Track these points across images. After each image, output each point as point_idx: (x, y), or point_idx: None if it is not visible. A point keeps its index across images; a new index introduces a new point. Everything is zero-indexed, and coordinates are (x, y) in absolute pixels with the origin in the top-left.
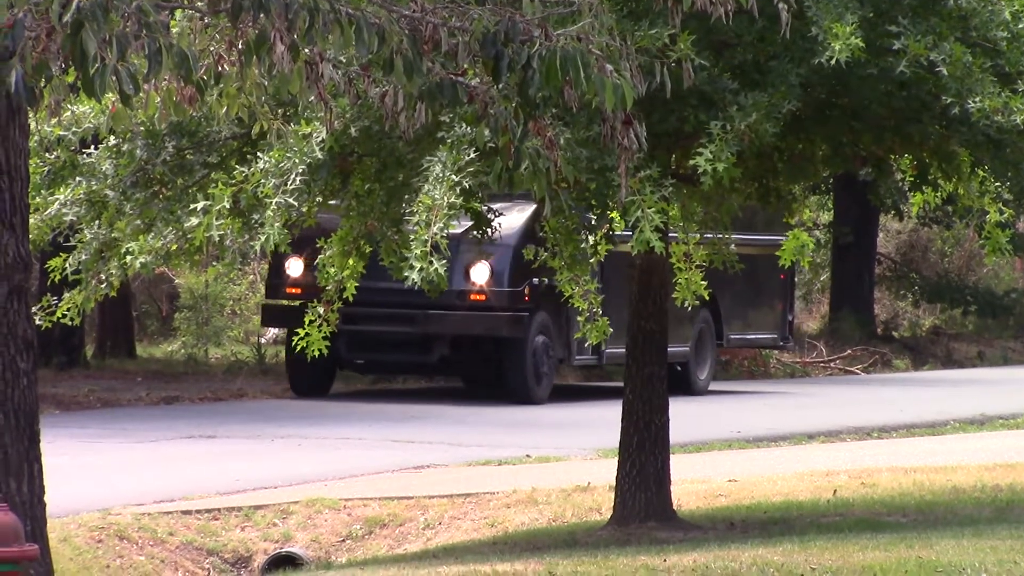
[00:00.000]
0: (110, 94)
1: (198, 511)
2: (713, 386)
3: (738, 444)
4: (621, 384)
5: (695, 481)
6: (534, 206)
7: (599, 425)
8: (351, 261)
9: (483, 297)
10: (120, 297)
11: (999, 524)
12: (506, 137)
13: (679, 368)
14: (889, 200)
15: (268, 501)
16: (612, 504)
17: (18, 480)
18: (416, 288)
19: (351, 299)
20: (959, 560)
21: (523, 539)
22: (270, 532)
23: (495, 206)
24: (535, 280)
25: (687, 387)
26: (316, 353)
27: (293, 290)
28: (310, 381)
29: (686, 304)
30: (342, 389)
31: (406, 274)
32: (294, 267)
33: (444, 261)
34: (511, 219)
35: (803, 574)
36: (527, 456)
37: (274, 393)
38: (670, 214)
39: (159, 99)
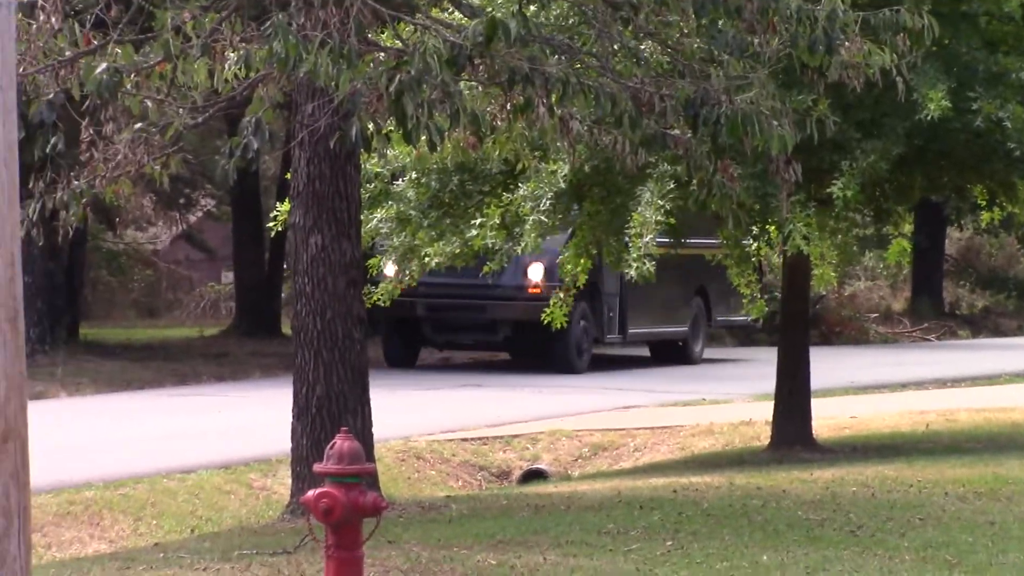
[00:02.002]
0: (425, 140)
1: (472, 439)
2: (709, 354)
3: (852, 391)
4: (641, 353)
5: (826, 418)
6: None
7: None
8: (582, 261)
9: (538, 290)
10: None
11: None
12: (701, 173)
13: (680, 344)
14: (954, 215)
15: (521, 432)
16: (769, 434)
17: (354, 416)
18: (487, 283)
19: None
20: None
21: (705, 459)
22: (523, 454)
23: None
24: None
25: (686, 358)
26: (559, 325)
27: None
28: (401, 354)
29: (685, 294)
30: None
31: (625, 270)
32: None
33: (653, 262)
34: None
35: (911, 485)
36: (703, 399)
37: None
38: (812, 226)
39: (451, 145)
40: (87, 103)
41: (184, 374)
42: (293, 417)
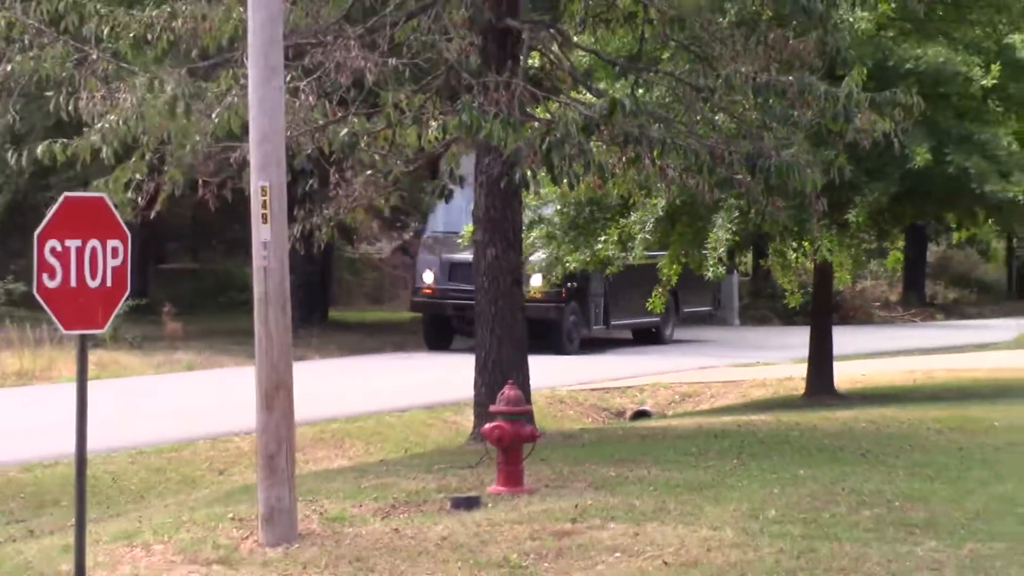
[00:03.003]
0: (566, 183)
1: (596, 389)
2: (679, 336)
3: (862, 356)
4: (623, 337)
5: (844, 375)
6: None
7: (773, 348)
8: (675, 267)
9: (539, 295)
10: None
11: (1000, 398)
12: (757, 205)
13: (654, 330)
14: (933, 235)
15: (631, 384)
16: (804, 386)
17: (517, 373)
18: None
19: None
20: (983, 416)
21: (760, 403)
22: (633, 399)
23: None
24: (569, 284)
25: (659, 339)
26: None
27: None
28: (437, 340)
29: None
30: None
31: (704, 272)
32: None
33: (724, 267)
34: None
35: (903, 422)
36: (758, 362)
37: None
38: (834, 242)
39: (583, 186)
40: (333, 156)
41: (400, 344)
42: (475, 373)
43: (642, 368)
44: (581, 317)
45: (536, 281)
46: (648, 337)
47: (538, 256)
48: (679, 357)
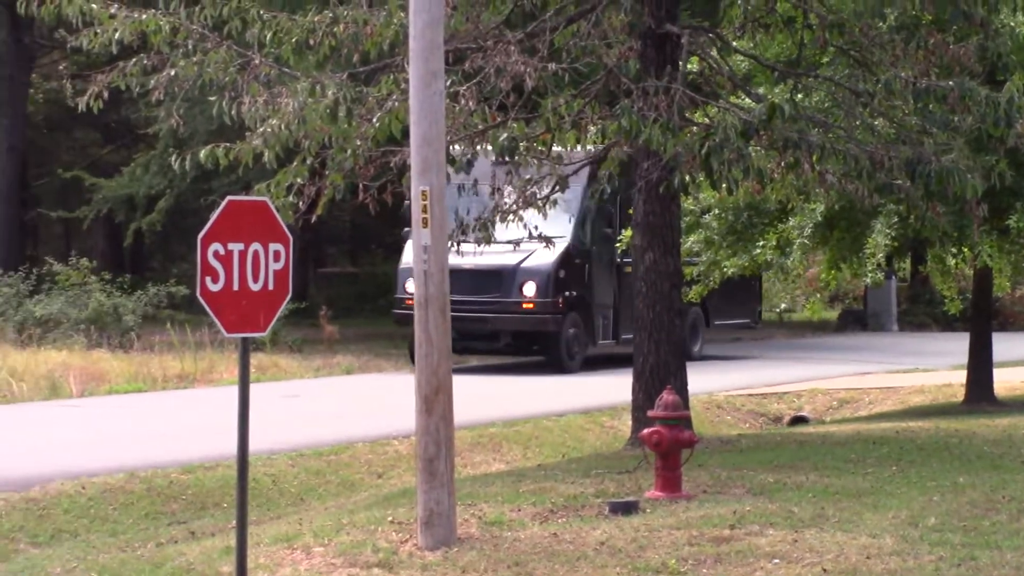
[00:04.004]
0: (725, 188)
1: (754, 394)
2: (711, 351)
3: (1018, 363)
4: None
5: (1003, 382)
6: (564, 248)
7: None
8: (833, 272)
9: (532, 305)
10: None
11: None
12: (916, 211)
13: None
14: None
15: (788, 390)
16: (963, 392)
17: (675, 378)
18: (490, 299)
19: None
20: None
21: (918, 410)
22: (791, 405)
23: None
24: (567, 293)
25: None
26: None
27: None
28: None
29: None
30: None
31: (863, 278)
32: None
33: (882, 274)
34: (550, 254)
35: None
36: (916, 368)
37: (784, 336)
38: (995, 248)
39: (742, 191)
40: (492, 161)
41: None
42: (633, 378)
43: (797, 373)
44: (584, 330)
45: (529, 290)
46: None
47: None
48: (832, 364)
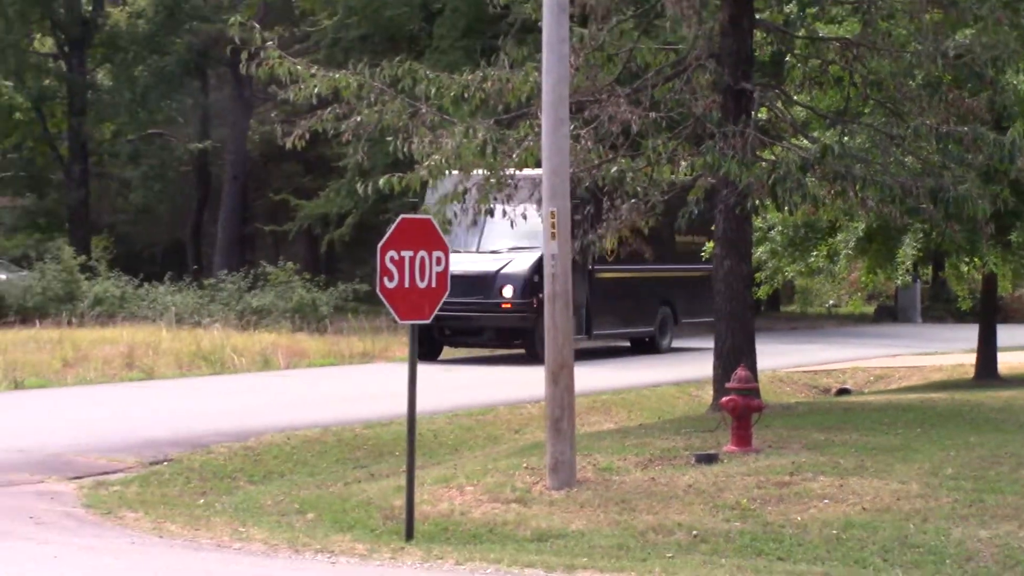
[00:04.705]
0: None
1: (808, 371)
2: (679, 344)
3: (1017, 348)
4: (605, 345)
5: (1005, 362)
6: (539, 253)
7: (948, 341)
8: (870, 276)
9: (509, 305)
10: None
11: None
12: (938, 228)
13: (647, 339)
14: None
15: (834, 367)
16: (973, 371)
17: (747, 358)
18: (474, 300)
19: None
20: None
21: (938, 384)
22: (837, 379)
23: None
24: (540, 295)
25: (655, 348)
26: (857, 310)
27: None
28: (426, 349)
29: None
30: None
31: (896, 281)
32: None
33: (910, 278)
34: (526, 258)
35: None
36: (936, 352)
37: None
38: (999, 258)
39: (800, 212)
40: (605, 188)
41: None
42: (715, 358)
43: (841, 354)
44: None
45: (507, 292)
46: (644, 347)
47: (768, 267)
48: (869, 347)
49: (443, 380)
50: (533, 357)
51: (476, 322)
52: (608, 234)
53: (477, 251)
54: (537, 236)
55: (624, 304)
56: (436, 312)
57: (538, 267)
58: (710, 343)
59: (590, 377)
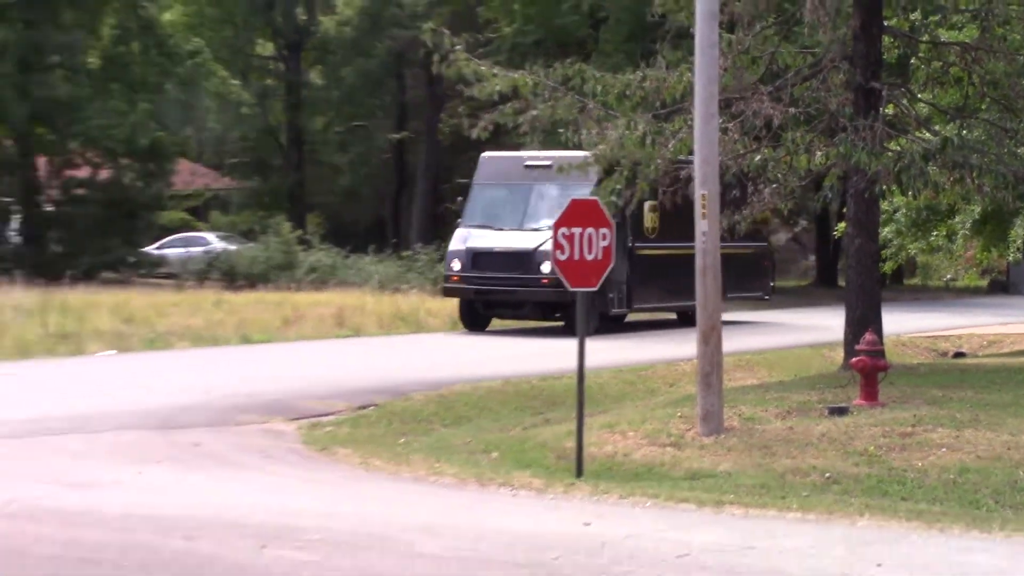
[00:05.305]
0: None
1: (928, 336)
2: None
3: None
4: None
5: None
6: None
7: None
8: (984, 253)
9: (547, 281)
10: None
11: None
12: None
13: (690, 313)
14: None
15: (952, 333)
16: None
17: (873, 324)
18: (515, 275)
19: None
20: None
21: (1009, 354)
22: (954, 343)
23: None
24: None
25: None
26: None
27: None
28: (473, 322)
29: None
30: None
31: (1008, 257)
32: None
33: (1020, 255)
34: None
35: None
36: (1006, 323)
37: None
38: None
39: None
40: (750, 175)
41: (793, 303)
42: (846, 324)
43: (954, 322)
44: (597, 300)
45: (546, 268)
46: (688, 320)
47: (893, 244)
48: (980, 316)
49: (611, 338)
50: (572, 330)
51: (517, 296)
52: (752, 215)
53: (520, 229)
54: None
55: (669, 279)
56: (480, 286)
57: None
58: (760, 316)
59: (735, 337)
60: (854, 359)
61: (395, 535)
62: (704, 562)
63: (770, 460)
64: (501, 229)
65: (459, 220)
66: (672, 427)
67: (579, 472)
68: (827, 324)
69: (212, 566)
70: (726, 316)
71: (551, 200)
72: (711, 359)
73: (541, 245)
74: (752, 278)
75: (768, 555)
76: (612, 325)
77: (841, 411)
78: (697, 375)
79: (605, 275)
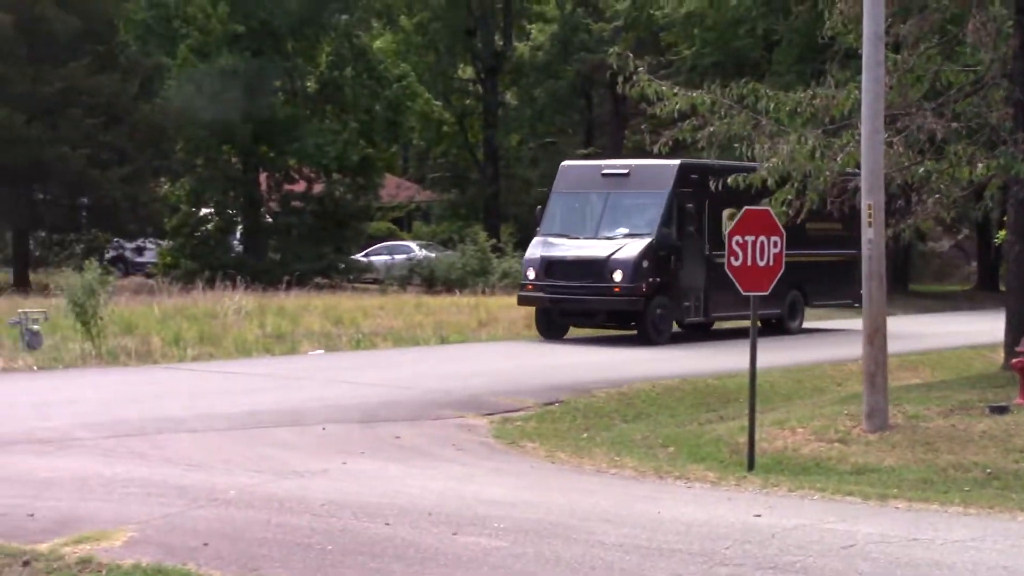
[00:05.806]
0: None
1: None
2: (810, 326)
3: None
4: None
5: None
6: (648, 240)
7: None
8: None
9: (619, 289)
10: None
11: None
12: None
13: (773, 321)
14: None
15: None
16: None
17: None
18: (588, 284)
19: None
20: None
21: None
22: None
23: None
24: (651, 279)
25: (783, 330)
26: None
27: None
28: (548, 330)
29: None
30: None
31: None
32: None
33: None
34: (636, 245)
35: None
36: None
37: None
38: None
39: None
40: (914, 186)
41: (955, 306)
42: (1005, 326)
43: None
44: (671, 309)
45: (617, 276)
46: (772, 328)
47: None
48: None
49: (783, 340)
50: (645, 339)
51: (589, 304)
52: (916, 223)
53: (595, 237)
54: (651, 224)
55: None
56: (553, 295)
57: (647, 253)
58: (846, 324)
59: (900, 340)
60: (1014, 360)
61: (577, 524)
62: (869, 553)
63: (933, 456)
64: (576, 237)
65: (537, 228)
66: (839, 424)
67: (751, 466)
68: (987, 328)
69: (409, 550)
70: (841, 323)
71: (625, 209)
72: (876, 359)
73: (614, 253)
74: (842, 285)
75: (931, 547)
76: (691, 334)
77: (1002, 410)
78: (863, 374)
79: (775, 280)
